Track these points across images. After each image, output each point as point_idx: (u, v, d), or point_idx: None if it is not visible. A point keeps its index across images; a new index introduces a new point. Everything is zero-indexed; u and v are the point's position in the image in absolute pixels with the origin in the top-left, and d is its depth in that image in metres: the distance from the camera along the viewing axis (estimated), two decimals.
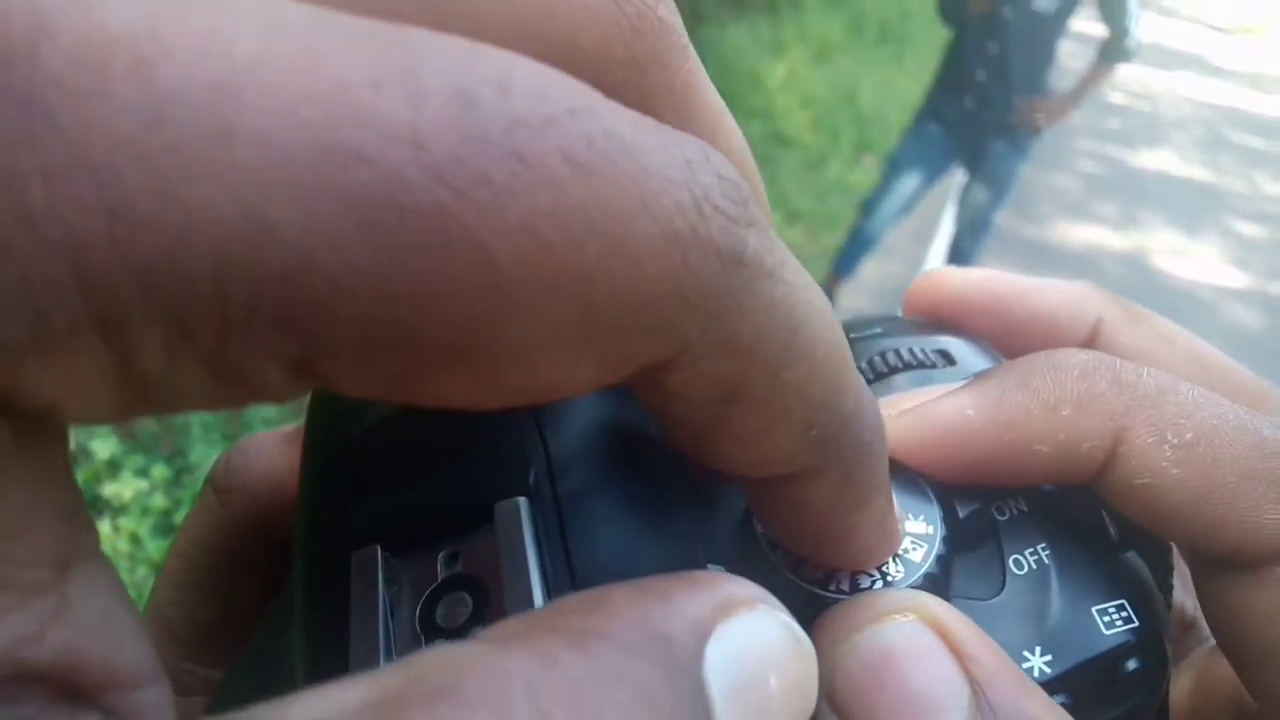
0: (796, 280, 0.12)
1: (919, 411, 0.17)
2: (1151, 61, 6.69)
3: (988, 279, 0.22)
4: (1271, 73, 8.11)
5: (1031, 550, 0.17)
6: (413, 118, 0.09)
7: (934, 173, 2.84)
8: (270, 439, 0.21)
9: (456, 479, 0.15)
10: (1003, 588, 0.16)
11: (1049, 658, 0.15)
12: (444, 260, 0.09)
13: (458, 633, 0.14)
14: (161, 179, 0.08)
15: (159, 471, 1.92)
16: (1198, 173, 5.42)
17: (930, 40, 5.17)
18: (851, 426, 0.13)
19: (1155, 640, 0.16)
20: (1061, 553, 0.17)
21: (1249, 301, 3.93)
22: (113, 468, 1.91)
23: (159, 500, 1.86)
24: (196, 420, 2.06)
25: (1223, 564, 0.16)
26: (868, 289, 3.21)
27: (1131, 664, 0.16)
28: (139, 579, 1.78)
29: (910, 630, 0.14)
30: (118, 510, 1.85)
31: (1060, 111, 2.64)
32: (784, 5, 5.30)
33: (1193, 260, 4.24)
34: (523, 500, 0.14)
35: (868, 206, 2.94)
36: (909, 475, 0.17)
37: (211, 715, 0.17)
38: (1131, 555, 0.17)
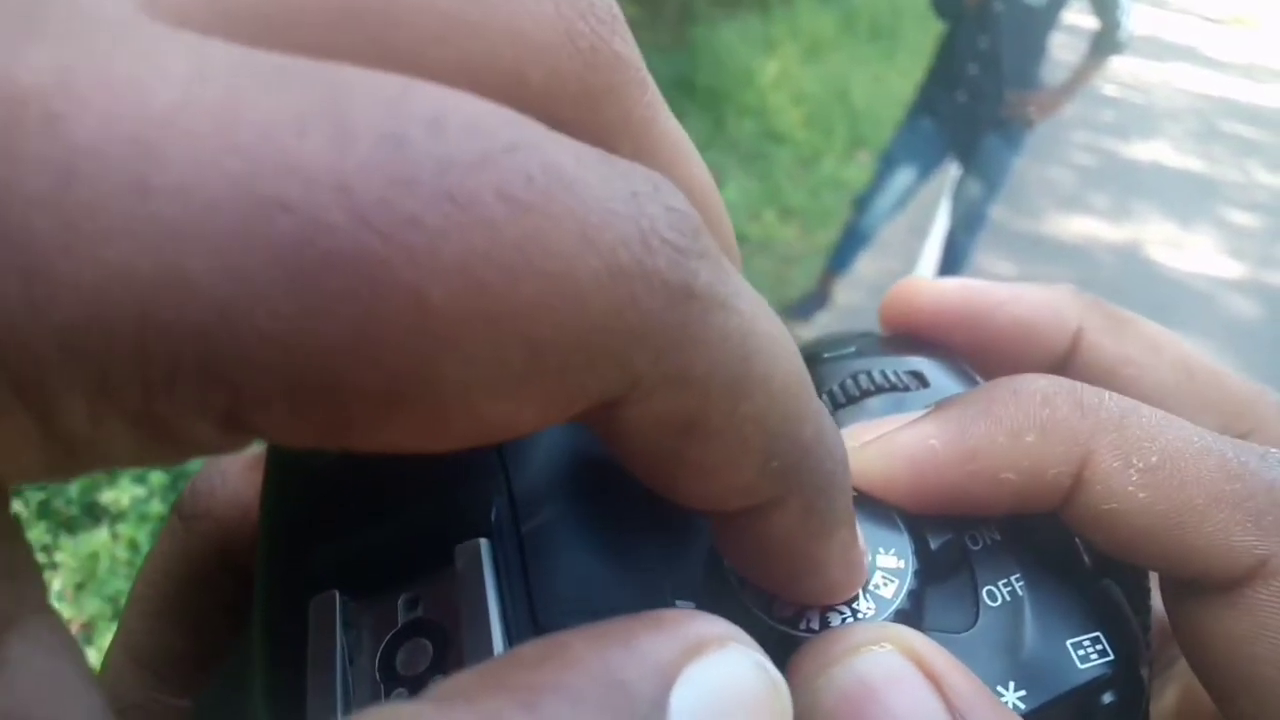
0: (751, 310, 0.12)
1: (882, 442, 0.17)
2: (1144, 53, 6.69)
3: (963, 289, 0.22)
4: (1265, 63, 8.11)
5: (1005, 581, 0.16)
6: (338, 161, 0.09)
7: (928, 167, 2.85)
8: (235, 464, 0.21)
9: (417, 519, 0.15)
10: (976, 620, 0.16)
11: (1023, 692, 0.15)
12: (373, 307, 0.09)
13: (418, 680, 0.13)
14: (77, 237, 0.08)
15: (156, 478, 1.91)
16: (1192, 163, 5.43)
17: (921, 36, 5.17)
18: (812, 455, 0.13)
19: (1131, 673, 0.16)
20: (1036, 583, 0.16)
21: (1245, 291, 3.93)
22: (110, 475, 1.91)
23: (156, 506, 1.86)
24: None
25: (1192, 588, 0.16)
26: (864, 285, 3.21)
27: (1107, 698, 0.16)
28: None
29: (887, 660, 0.14)
30: (115, 517, 1.85)
31: (1053, 105, 2.65)
32: (775, 3, 5.30)
33: (1187, 251, 4.24)
34: (484, 541, 0.14)
35: (862, 203, 2.94)
36: (879, 507, 0.17)
37: None
38: (1107, 584, 0.17)
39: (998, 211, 2.97)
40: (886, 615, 0.16)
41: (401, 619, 0.14)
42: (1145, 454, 0.16)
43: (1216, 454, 0.16)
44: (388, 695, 0.13)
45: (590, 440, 0.15)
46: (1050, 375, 0.18)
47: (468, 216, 0.09)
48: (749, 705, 0.12)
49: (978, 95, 2.62)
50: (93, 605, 1.73)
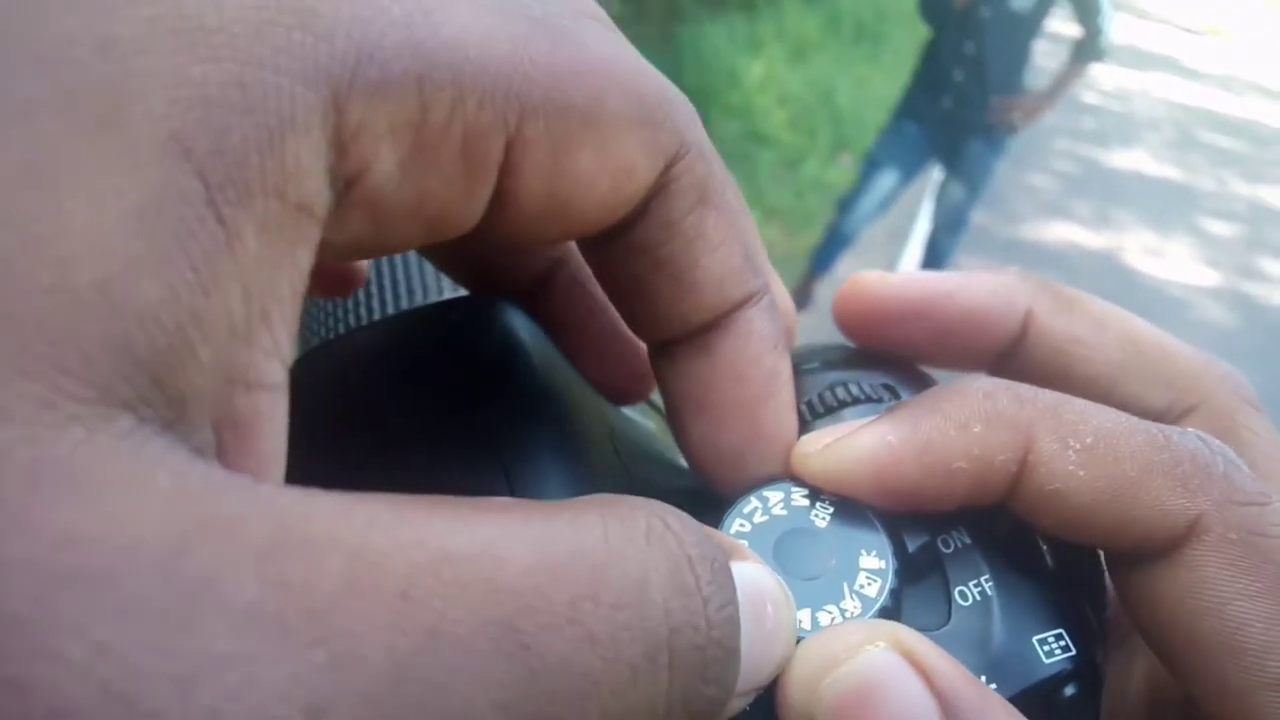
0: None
1: (843, 442, 0.18)
2: (1125, 62, 6.76)
3: (912, 282, 0.22)
4: (1240, 74, 8.21)
5: (975, 582, 0.17)
6: None
7: (911, 171, 2.86)
8: None
9: None
10: (949, 619, 0.17)
11: (993, 685, 0.16)
12: None
13: None
14: None
15: None
16: (1170, 172, 5.48)
17: (906, 39, 5.20)
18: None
19: (1091, 667, 0.17)
20: (1003, 584, 0.17)
21: (1220, 299, 3.98)
22: None
23: None
24: None
25: (1136, 557, 0.17)
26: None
27: (1069, 690, 0.17)
28: None
29: (883, 658, 0.15)
30: None
31: (1036, 110, 2.67)
32: (761, 4, 5.31)
33: (1165, 259, 4.29)
34: None
35: (845, 205, 2.95)
36: (858, 511, 0.18)
37: None
38: (1068, 582, 0.18)
39: (979, 216, 2.99)
40: (872, 613, 0.17)
41: None
42: (1080, 435, 0.17)
43: (1143, 430, 0.17)
44: None
45: (579, 464, 0.17)
46: (990, 376, 0.19)
47: None
48: (775, 600, 0.15)
49: (962, 100, 2.63)
50: None
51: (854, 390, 0.20)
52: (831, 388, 0.21)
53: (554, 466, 0.17)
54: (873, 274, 0.22)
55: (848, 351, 0.23)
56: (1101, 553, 0.19)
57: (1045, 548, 0.18)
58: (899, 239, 3.71)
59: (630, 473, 0.19)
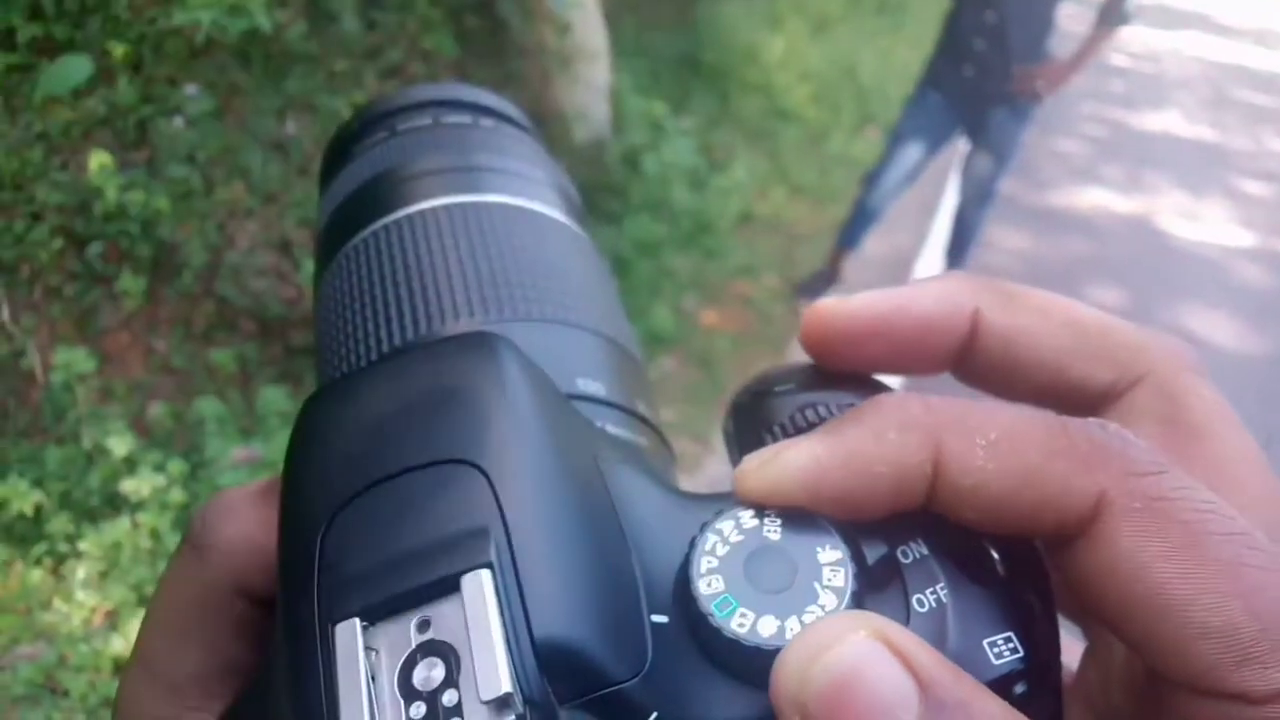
0: None
1: (777, 459, 0.20)
2: (1153, 21, 6.62)
3: (866, 302, 0.23)
4: (1276, 28, 8.02)
5: (931, 590, 0.19)
6: None
7: (936, 143, 2.83)
8: (242, 497, 0.23)
9: (424, 553, 0.17)
10: (907, 623, 0.18)
11: None
12: None
13: (433, 695, 0.16)
14: None
15: (175, 467, 1.93)
16: (1203, 133, 5.38)
17: (928, 9, 5.13)
18: None
19: (1043, 666, 0.18)
20: (957, 591, 0.18)
21: (1257, 260, 3.91)
22: (129, 465, 1.93)
23: (177, 495, 1.88)
24: (211, 415, 2.08)
25: (1060, 541, 0.18)
26: (873, 263, 3.21)
27: (1019, 688, 0.18)
28: (160, 572, 1.80)
29: (865, 645, 0.16)
30: (136, 506, 1.87)
31: (1061, 78, 2.63)
32: None
33: (1200, 221, 4.22)
34: (485, 572, 0.16)
35: (870, 179, 2.93)
36: (803, 516, 0.19)
37: None
38: (1018, 587, 0.19)
39: (1008, 184, 2.96)
40: (846, 600, 0.18)
41: (415, 640, 0.16)
42: (985, 432, 0.19)
43: (1042, 421, 0.19)
44: (407, 708, 0.16)
45: (566, 478, 0.18)
46: (904, 391, 0.20)
47: None
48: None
49: (985, 70, 2.60)
50: (117, 593, 1.75)
51: (822, 411, 0.22)
52: (802, 410, 0.22)
53: (538, 484, 0.18)
54: (830, 301, 0.23)
55: (819, 373, 0.24)
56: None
57: (996, 557, 0.19)
58: (927, 212, 3.68)
59: (609, 488, 0.20)
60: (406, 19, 2.68)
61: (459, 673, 0.16)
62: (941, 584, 0.19)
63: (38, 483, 1.91)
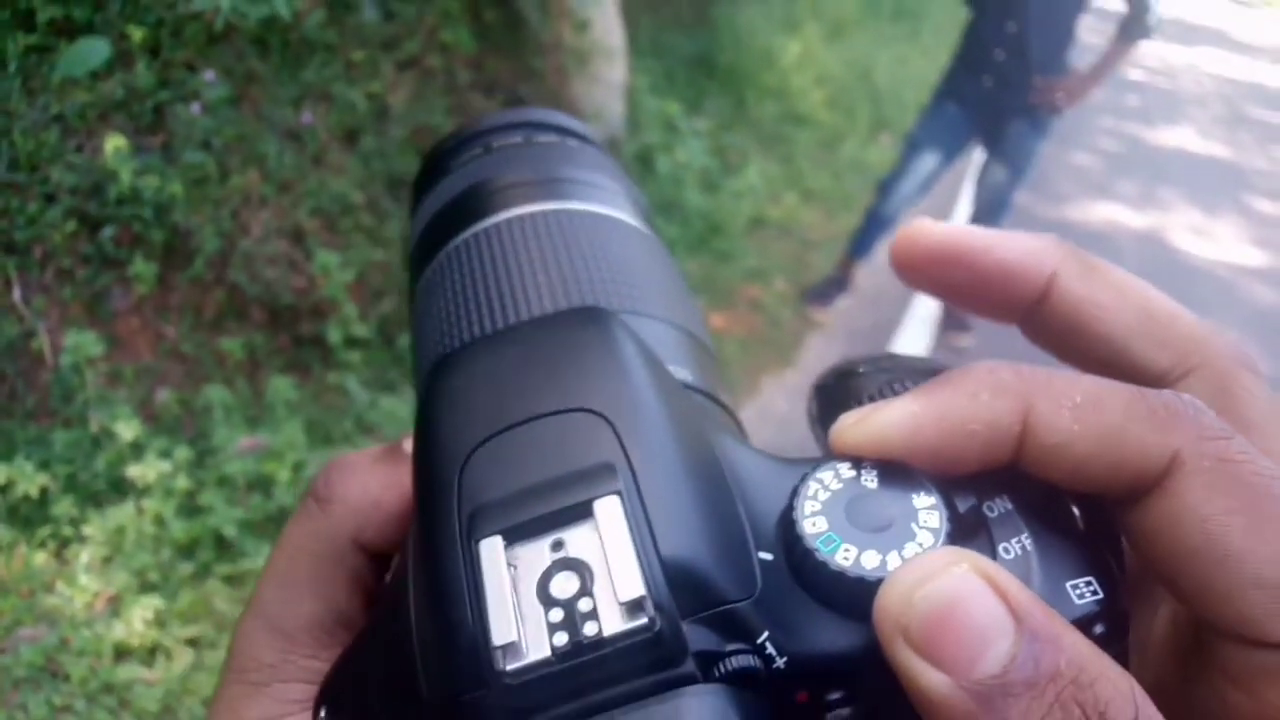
0: None
1: (874, 415, 0.21)
2: (1171, 37, 6.61)
3: (960, 234, 0.25)
4: None
5: (1016, 539, 0.20)
6: None
7: (952, 152, 2.82)
8: (363, 459, 0.25)
9: (556, 484, 0.19)
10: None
11: None
12: None
13: (569, 603, 0.18)
14: None
15: (182, 453, 1.93)
16: (1217, 149, 5.37)
17: (945, 16, 5.12)
18: None
19: (1117, 610, 0.20)
20: (1040, 541, 0.20)
21: (1269, 280, 3.90)
22: (136, 450, 1.93)
23: (182, 482, 1.88)
24: (219, 402, 2.08)
25: (1133, 497, 0.20)
26: (885, 270, 3.20)
27: (1099, 629, 0.19)
28: (164, 560, 1.80)
29: (967, 577, 0.18)
30: (141, 492, 1.87)
31: (1080, 91, 2.62)
32: None
33: (1212, 238, 4.20)
34: (615, 498, 0.18)
35: (885, 187, 2.92)
36: (897, 467, 0.21)
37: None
38: (1096, 540, 0.21)
39: (1021, 196, 2.95)
40: (942, 538, 0.19)
41: (550, 558, 0.18)
42: (1071, 396, 0.20)
43: (1122, 388, 0.20)
44: (547, 613, 0.17)
45: (681, 426, 0.20)
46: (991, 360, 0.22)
47: None
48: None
49: (1004, 81, 2.59)
50: (120, 578, 1.75)
51: (909, 384, 0.23)
52: (890, 383, 0.24)
53: (659, 431, 0.20)
54: (926, 221, 0.25)
55: (891, 358, 0.26)
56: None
57: (1076, 512, 0.21)
58: (939, 220, 3.67)
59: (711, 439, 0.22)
60: (425, 11, 2.67)
61: (593, 584, 0.18)
62: (1025, 534, 0.20)
63: (44, 465, 1.91)
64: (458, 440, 0.20)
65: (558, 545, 0.18)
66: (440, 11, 2.69)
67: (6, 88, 2.16)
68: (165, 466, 1.89)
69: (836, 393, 0.25)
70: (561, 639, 0.17)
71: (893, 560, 0.19)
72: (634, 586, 0.17)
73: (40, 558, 1.80)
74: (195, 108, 2.30)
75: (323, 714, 0.21)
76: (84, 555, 1.79)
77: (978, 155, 2.95)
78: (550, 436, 0.20)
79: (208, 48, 2.33)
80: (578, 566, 0.18)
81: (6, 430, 2.00)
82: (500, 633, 0.17)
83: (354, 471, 0.24)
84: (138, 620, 1.68)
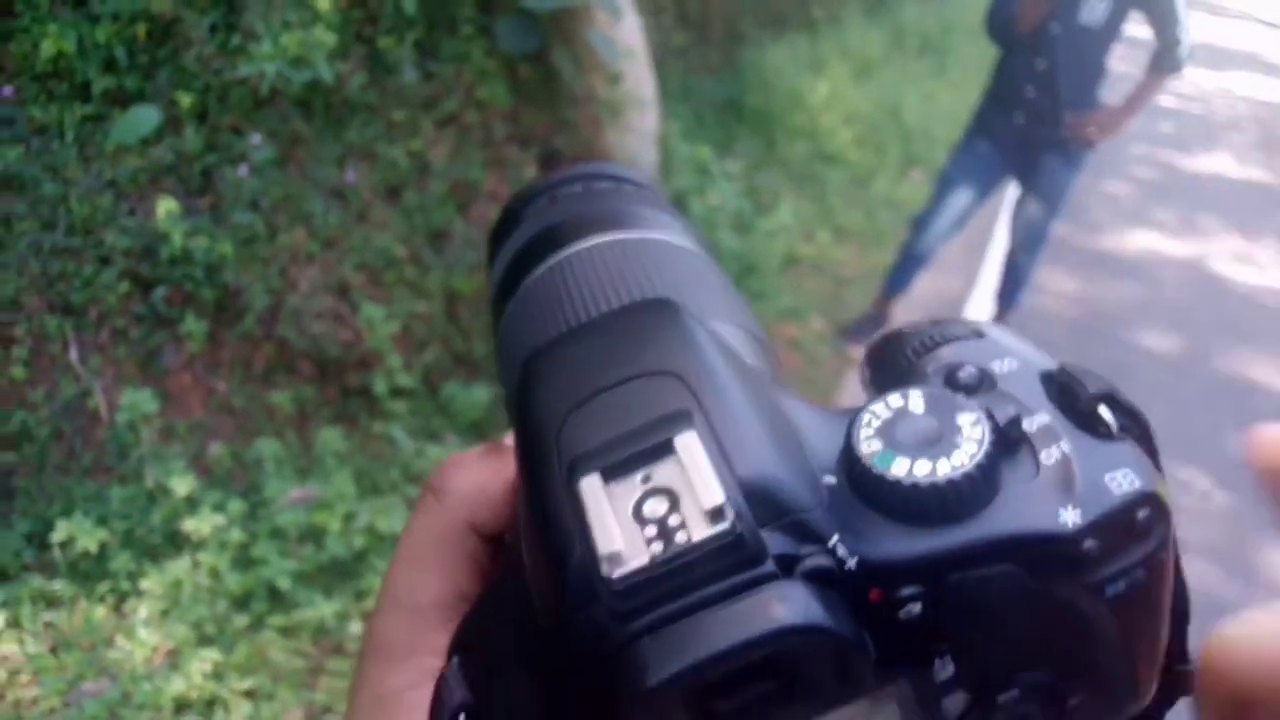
0: None
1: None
2: (1203, 62, 6.58)
3: None
4: None
5: (1055, 446, 0.22)
6: None
7: (986, 188, 2.83)
8: (471, 455, 0.28)
9: (641, 431, 0.22)
10: (1038, 473, 0.21)
11: (1078, 512, 0.21)
12: None
13: (661, 520, 0.20)
14: None
15: (235, 507, 1.97)
16: (1255, 174, 5.32)
17: (972, 52, 5.14)
18: None
19: (1156, 498, 0.21)
20: (1078, 445, 0.22)
21: None
22: (190, 504, 1.97)
23: (236, 535, 1.92)
24: (270, 456, 2.12)
25: None
26: (921, 306, 3.20)
27: (1142, 514, 0.21)
28: (220, 612, 1.83)
29: None
30: (196, 546, 1.91)
31: (1113, 125, 2.62)
32: (822, 23, 5.31)
33: (1255, 265, 4.15)
34: (692, 432, 0.21)
35: (919, 224, 2.93)
36: (954, 396, 0.22)
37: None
38: (1128, 442, 0.22)
39: (1059, 227, 2.94)
40: (985, 449, 0.21)
41: (640, 489, 0.21)
42: None
43: None
44: (642, 530, 0.20)
45: (746, 382, 0.23)
46: None
47: None
48: None
49: (1036, 117, 2.60)
50: (178, 631, 1.78)
51: (937, 337, 0.25)
52: (930, 338, 0.25)
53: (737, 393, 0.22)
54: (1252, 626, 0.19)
55: (936, 322, 0.27)
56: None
57: (1110, 416, 0.22)
58: (975, 255, 3.67)
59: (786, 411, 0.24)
60: (462, 69, 2.74)
61: (680, 504, 0.20)
62: (1063, 440, 0.22)
63: (102, 521, 1.96)
64: (553, 409, 0.23)
65: (646, 479, 0.21)
66: (477, 70, 2.75)
67: (63, 156, 2.25)
68: (219, 520, 1.93)
69: (884, 354, 0.26)
70: (657, 548, 0.20)
71: (942, 467, 0.20)
72: (715, 496, 0.20)
73: (100, 612, 1.83)
74: (243, 170, 2.37)
75: (455, 661, 0.23)
76: (142, 609, 1.83)
77: (1012, 190, 2.95)
78: (633, 396, 0.22)
79: (253, 112, 2.41)
80: (665, 492, 0.20)
81: (65, 487, 2.05)
82: (605, 544, 0.20)
83: (464, 465, 0.27)
84: (196, 673, 1.70)
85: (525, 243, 0.35)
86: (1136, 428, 0.23)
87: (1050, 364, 0.24)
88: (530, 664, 0.21)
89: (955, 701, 0.21)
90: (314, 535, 1.99)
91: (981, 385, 0.23)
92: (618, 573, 0.19)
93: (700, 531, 0.19)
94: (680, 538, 0.20)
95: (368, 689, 0.26)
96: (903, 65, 5.52)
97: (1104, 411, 0.22)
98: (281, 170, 2.43)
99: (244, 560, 1.94)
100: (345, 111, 2.53)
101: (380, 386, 2.37)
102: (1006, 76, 2.64)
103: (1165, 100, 5.85)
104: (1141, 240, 4.26)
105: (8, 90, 2.26)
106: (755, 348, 0.30)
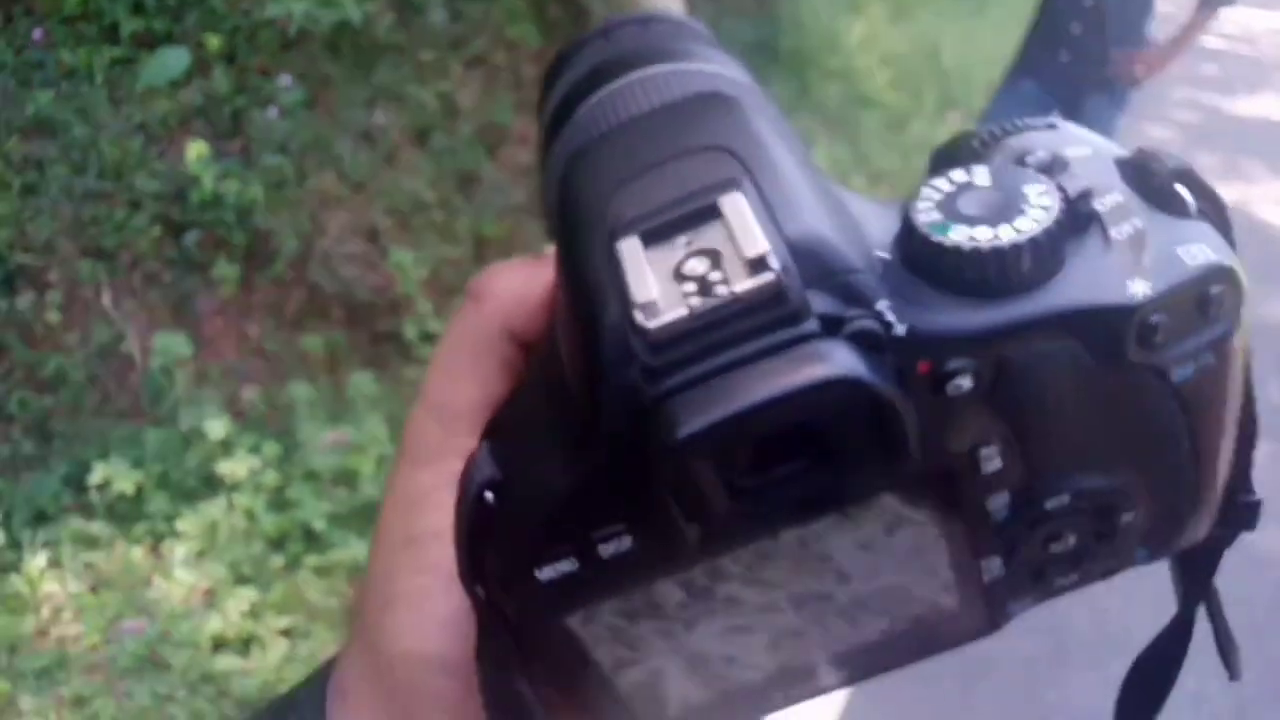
0: None
1: None
2: (1251, 1, 6.37)
3: None
4: None
5: (1128, 223, 0.20)
6: None
7: None
8: (512, 263, 0.27)
9: (688, 197, 0.20)
10: (1109, 247, 0.20)
11: (1148, 284, 0.19)
12: None
13: (702, 278, 0.19)
14: None
15: (269, 449, 1.99)
16: None
17: None
18: None
19: (1232, 273, 0.20)
20: (1152, 220, 0.20)
21: None
22: (225, 447, 1.99)
23: (271, 477, 1.93)
24: (302, 399, 2.13)
25: None
26: None
27: (1215, 289, 0.19)
28: (256, 553, 1.86)
29: None
30: (231, 488, 1.93)
31: (1160, 63, 2.54)
32: None
33: None
34: (738, 192, 0.20)
35: None
36: (1025, 170, 0.21)
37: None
38: (1205, 221, 0.21)
39: None
40: (1056, 216, 0.19)
41: (684, 251, 0.19)
42: None
43: None
44: (680, 286, 0.19)
45: (802, 161, 0.22)
46: None
47: None
48: None
49: (1082, 55, 2.52)
50: (215, 571, 1.81)
51: (1007, 127, 0.24)
52: (991, 134, 0.24)
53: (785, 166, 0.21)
54: None
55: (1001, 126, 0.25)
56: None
57: (1188, 194, 0.21)
58: None
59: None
60: (491, 9, 2.70)
61: (722, 262, 0.19)
62: (1136, 217, 0.20)
63: (138, 463, 1.98)
64: (599, 189, 0.22)
65: (690, 242, 0.20)
66: (506, 9, 2.71)
67: (93, 99, 2.24)
68: (254, 462, 1.94)
69: (950, 151, 0.24)
70: (696, 300, 0.18)
71: (1005, 232, 0.19)
72: (758, 245, 0.18)
73: (138, 553, 1.86)
74: (272, 112, 2.35)
75: (485, 444, 0.21)
76: (179, 550, 1.85)
77: None
78: (683, 169, 0.21)
79: (282, 53, 2.38)
80: (709, 253, 0.19)
81: (101, 430, 2.08)
82: (641, 294, 0.18)
83: (503, 272, 0.26)
84: (233, 612, 1.73)
85: (580, 76, 0.33)
86: (1214, 210, 0.21)
87: (1126, 152, 0.22)
88: (560, 439, 0.20)
89: (999, 503, 0.20)
90: (347, 478, 2.00)
91: (1054, 167, 0.21)
92: (654, 324, 0.18)
93: (742, 284, 0.18)
94: (721, 290, 0.18)
95: (399, 488, 0.26)
96: (941, 5, 5.38)
97: (1181, 190, 0.21)
98: (310, 112, 2.41)
99: (279, 502, 1.95)
100: (374, 52, 2.50)
101: (410, 331, 2.36)
102: (1052, 13, 2.57)
103: (1210, 41, 5.68)
104: None
105: (38, 33, 2.25)
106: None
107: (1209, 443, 0.21)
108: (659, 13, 0.36)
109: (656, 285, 0.19)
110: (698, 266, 0.19)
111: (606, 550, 0.19)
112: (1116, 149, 0.22)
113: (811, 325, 0.18)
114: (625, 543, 0.19)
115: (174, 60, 2.28)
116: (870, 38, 4.48)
